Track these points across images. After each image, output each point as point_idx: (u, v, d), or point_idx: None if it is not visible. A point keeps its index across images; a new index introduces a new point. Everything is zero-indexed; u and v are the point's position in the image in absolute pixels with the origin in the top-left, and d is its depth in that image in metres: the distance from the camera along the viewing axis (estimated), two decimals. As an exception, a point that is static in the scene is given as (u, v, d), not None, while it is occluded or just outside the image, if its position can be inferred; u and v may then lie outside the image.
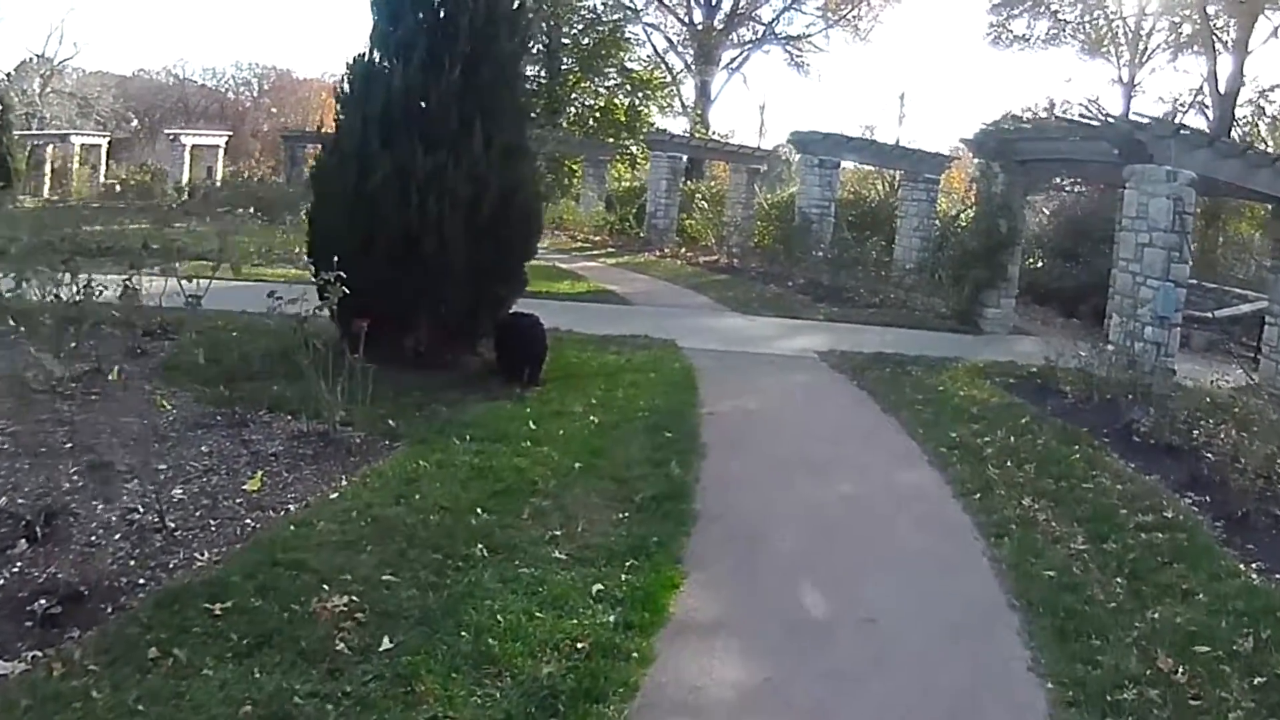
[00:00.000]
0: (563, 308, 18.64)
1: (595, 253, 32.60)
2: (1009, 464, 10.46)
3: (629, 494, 8.78)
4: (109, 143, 49.55)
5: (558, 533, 7.80)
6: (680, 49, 49.41)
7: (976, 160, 23.66)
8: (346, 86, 13.27)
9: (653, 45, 49.55)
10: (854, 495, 9.63)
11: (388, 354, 12.51)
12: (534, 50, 46.78)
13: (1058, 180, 31.93)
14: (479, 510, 8.08)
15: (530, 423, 10.59)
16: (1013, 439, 11.37)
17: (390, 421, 10.30)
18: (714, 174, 43.59)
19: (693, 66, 48.61)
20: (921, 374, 14.89)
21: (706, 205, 36.19)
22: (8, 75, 53.91)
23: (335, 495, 8.30)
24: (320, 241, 13.10)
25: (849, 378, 14.59)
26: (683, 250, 32.65)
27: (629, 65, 48.73)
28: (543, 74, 47.76)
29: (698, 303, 22.19)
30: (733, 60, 49.47)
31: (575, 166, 44.47)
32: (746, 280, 26.32)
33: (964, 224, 27.45)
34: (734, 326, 19.16)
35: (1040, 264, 28.04)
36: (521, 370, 12.53)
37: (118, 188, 41.63)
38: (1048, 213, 32.95)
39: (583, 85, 48.16)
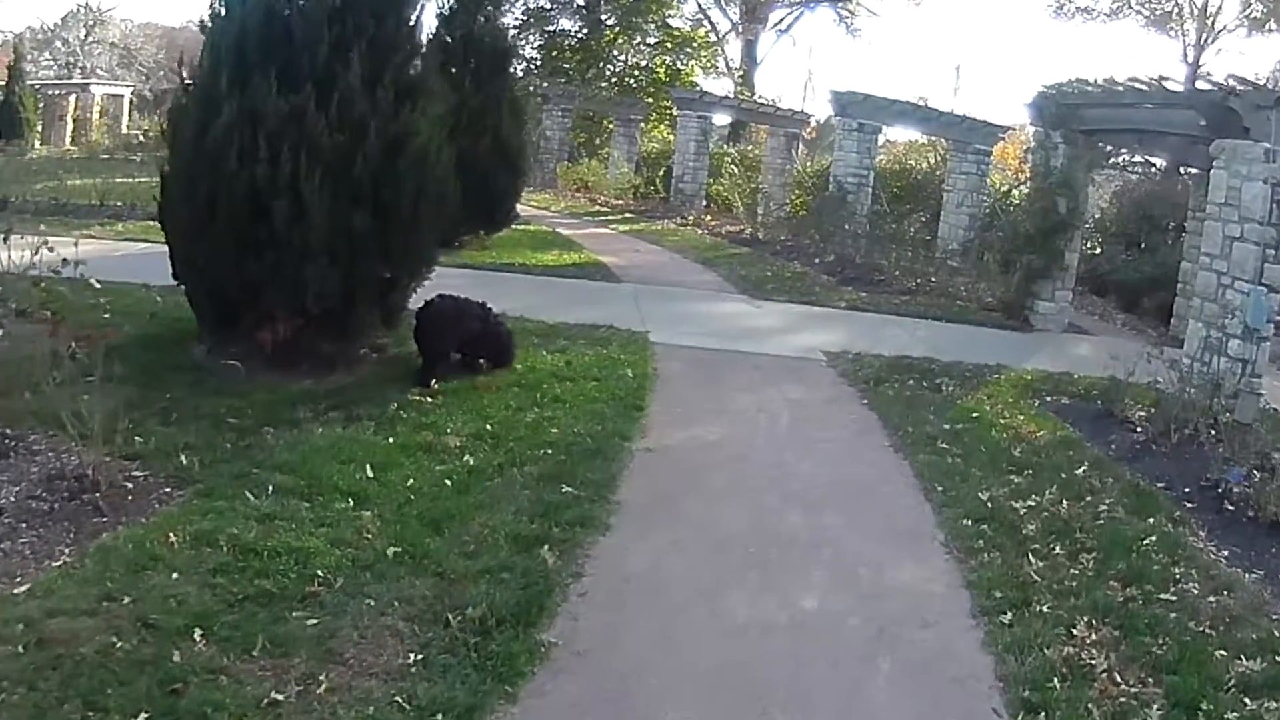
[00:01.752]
0: (535, 284, 15.56)
1: (612, 218, 29.17)
2: (1057, 551, 7.01)
3: (451, 606, 5.45)
4: (134, 93, 47.11)
5: (284, 694, 4.57)
6: (725, 6, 45.52)
7: (1034, 129, 19.87)
8: (208, 9, 9.93)
9: (697, 1, 45.73)
10: (818, 616, 6.07)
11: (248, 350, 9.52)
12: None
13: (1118, 160, 28.16)
14: (199, 632, 4.92)
15: (369, 466, 7.25)
16: (1065, 504, 7.87)
17: (184, 458, 7.15)
18: (757, 138, 39.94)
19: (738, 25, 44.76)
20: (954, 389, 11.40)
21: (737, 170, 32.43)
22: (54, 25, 52.41)
23: (24, 589, 5.27)
24: (167, 205, 9.91)
25: (858, 393, 11.06)
26: (708, 218, 29.11)
27: (671, 22, 44.85)
28: (581, 29, 44.33)
29: (702, 281, 18.60)
30: (781, 20, 45.55)
31: (611, 125, 40.83)
32: (768, 255, 22.62)
33: (1017, 201, 23.64)
34: (733, 314, 15.61)
35: (1099, 251, 24.07)
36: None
37: (141, 139, 39.21)
38: (1107, 195, 28.83)
39: (621, 41, 44.38)
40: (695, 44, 45.01)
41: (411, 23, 9.80)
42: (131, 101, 45.82)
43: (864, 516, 7.55)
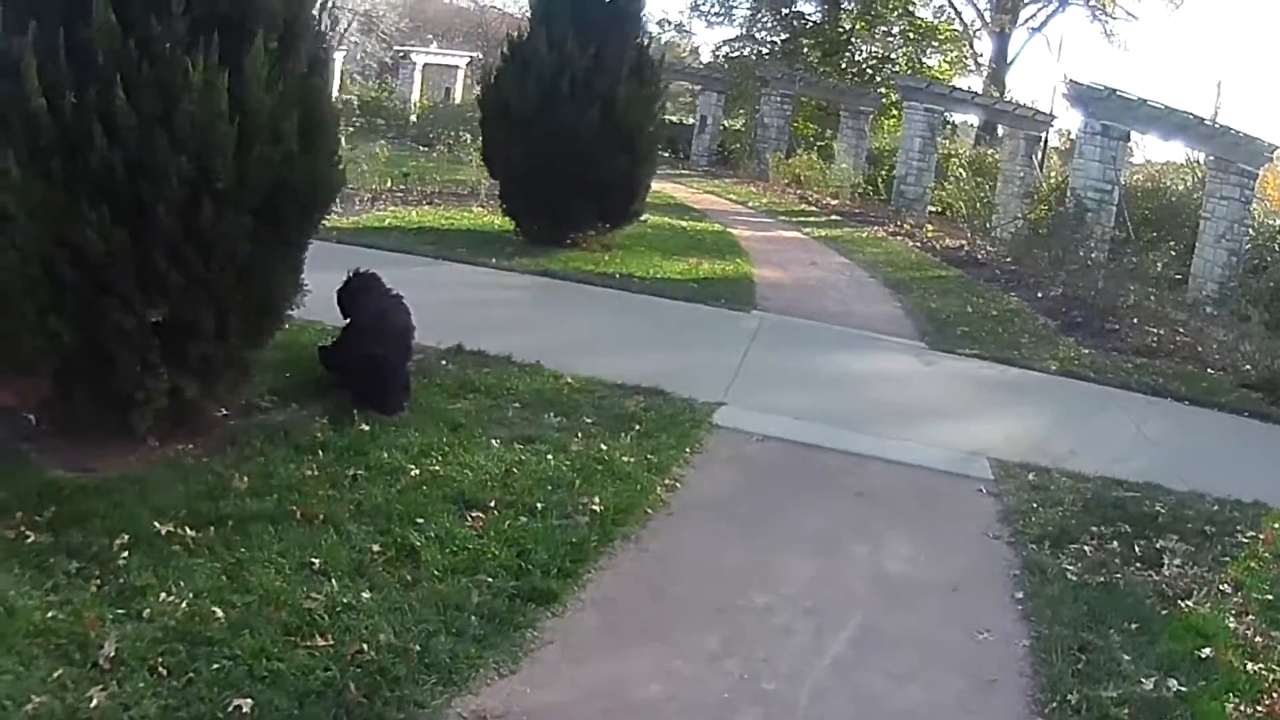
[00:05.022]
0: (619, 307, 11.52)
1: (814, 220, 24.53)
2: None
3: None
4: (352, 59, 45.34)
5: None
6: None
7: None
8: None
9: (943, -9, 40.23)
10: None
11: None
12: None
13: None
14: None
15: None
16: None
17: None
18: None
19: (984, 14, 39.07)
20: (1180, 564, 6.29)
21: (965, 174, 27.00)
22: None
23: None
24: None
25: (1017, 567, 6.11)
26: (929, 228, 23.97)
27: (913, 11, 39.36)
28: (819, 14, 39.52)
29: (872, 314, 13.71)
30: (1032, 18, 39.76)
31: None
32: (981, 282, 17.47)
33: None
34: (886, 375, 10.74)
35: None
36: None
37: (355, 105, 36.84)
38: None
39: (860, 28, 39.19)
40: (940, 37, 39.47)
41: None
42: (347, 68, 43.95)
43: None
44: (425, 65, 40.52)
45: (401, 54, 41.21)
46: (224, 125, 5.14)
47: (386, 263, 8.42)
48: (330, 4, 6.25)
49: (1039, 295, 16.41)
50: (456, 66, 41.64)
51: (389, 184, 18.34)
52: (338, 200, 15.29)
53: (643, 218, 15.92)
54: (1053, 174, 26.62)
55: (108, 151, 5.01)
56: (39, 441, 5.69)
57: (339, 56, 41.99)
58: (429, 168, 21.51)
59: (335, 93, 37.90)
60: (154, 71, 5.08)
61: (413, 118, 34.82)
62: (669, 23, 45.24)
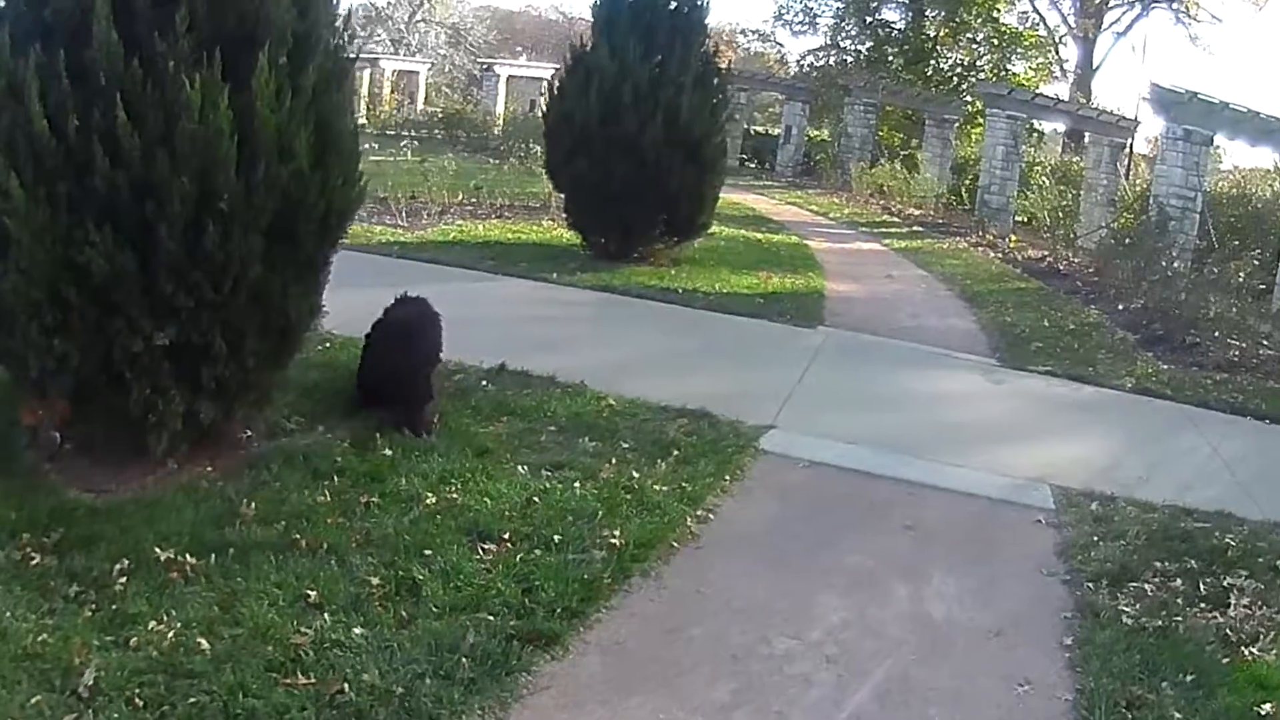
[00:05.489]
0: (678, 324, 11.23)
1: (895, 231, 24.03)
2: None
3: None
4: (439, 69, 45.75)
5: None
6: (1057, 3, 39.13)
7: None
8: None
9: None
10: None
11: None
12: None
13: None
14: None
15: None
16: None
17: None
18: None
19: (1072, 23, 38.16)
20: (1247, 604, 5.77)
21: (1048, 183, 26.21)
22: (387, 4, 52.05)
23: None
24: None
25: (1070, 608, 5.64)
26: (1013, 239, 23.27)
27: (997, 17, 38.46)
28: (903, 22, 38.93)
29: (944, 329, 13.21)
30: (1116, 23, 38.86)
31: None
32: (1062, 294, 16.79)
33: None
34: (950, 395, 10.27)
35: None
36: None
37: (439, 115, 37.15)
38: None
39: (944, 35, 38.43)
40: (1025, 43, 38.64)
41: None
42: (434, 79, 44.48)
43: None
44: (510, 77, 40.52)
45: (485, 66, 41.27)
46: (225, 143, 4.94)
47: (444, 278, 8.14)
48: (349, 17, 6.05)
49: (1120, 307, 15.68)
50: (542, 79, 41.87)
51: (459, 197, 18.18)
52: (403, 214, 15.44)
53: (710, 230, 15.60)
54: (1138, 181, 25.73)
55: (111, 172, 4.86)
56: (61, 460, 5.62)
57: (423, 69, 42.44)
58: (502, 180, 21.32)
59: (420, 104, 38.56)
60: (157, 91, 4.91)
61: (496, 130, 34.84)
62: (753, 32, 45.07)
